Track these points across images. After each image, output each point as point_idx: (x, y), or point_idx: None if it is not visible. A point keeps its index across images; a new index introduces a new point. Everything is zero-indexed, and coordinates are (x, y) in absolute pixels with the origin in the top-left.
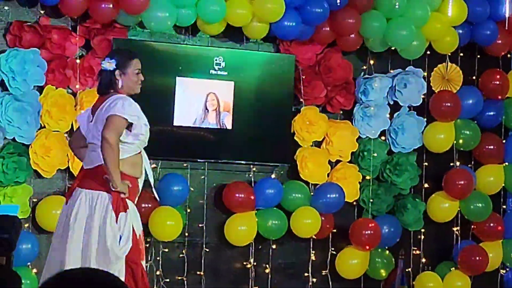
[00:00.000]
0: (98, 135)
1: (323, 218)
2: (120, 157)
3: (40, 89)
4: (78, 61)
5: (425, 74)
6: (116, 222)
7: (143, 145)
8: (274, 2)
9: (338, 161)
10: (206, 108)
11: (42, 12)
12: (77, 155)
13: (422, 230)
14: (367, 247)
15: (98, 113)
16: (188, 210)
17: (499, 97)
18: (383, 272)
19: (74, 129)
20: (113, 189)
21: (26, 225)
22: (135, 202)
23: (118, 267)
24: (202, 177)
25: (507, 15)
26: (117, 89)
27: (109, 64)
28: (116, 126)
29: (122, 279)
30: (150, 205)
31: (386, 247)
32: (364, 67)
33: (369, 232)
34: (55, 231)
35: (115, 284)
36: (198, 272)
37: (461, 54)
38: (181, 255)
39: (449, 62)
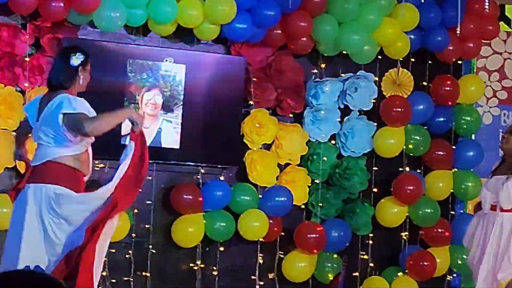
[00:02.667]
0: (42, 136)
1: (271, 221)
2: (71, 153)
3: None
4: (27, 59)
5: (376, 78)
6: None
7: (90, 142)
8: (226, 4)
9: (287, 164)
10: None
11: None
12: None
13: (371, 235)
14: (313, 251)
15: (45, 113)
16: (135, 211)
17: (450, 103)
18: (331, 276)
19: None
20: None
21: None
22: None
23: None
24: (150, 178)
25: (458, 22)
26: (75, 86)
27: (77, 60)
28: (78, 119)
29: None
30: None
31: (335, 251)
32: (315, 71)
33: (314, 235)
34: (9, 230)
35: (53, 284)
36: (144, 273)
37: (413, 60)
38: (127, 256)
39: (400, 67)
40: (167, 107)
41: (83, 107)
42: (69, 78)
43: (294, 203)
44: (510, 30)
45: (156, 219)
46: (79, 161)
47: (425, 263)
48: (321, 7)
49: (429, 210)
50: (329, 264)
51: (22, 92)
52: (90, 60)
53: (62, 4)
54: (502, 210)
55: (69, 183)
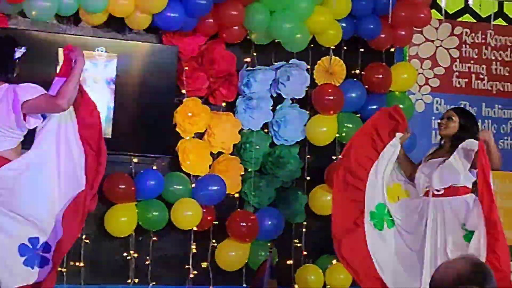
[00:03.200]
0: None
1: (204, 210)
2: (14, 145)
3: None
4: None
5: (309, 67)
6: None
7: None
8: None
9: (220, 153)
10: None
11: None
12: None
13: (304, 223)
14: (246, 239)
15: None
16: None
17: (382, 91)
18: None
19: None
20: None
21: None
22: None
23: None
24: None
25: (390, 10)
26: (13, 77)
27: (19, 53)
28: (46, 101)
29: None
30: None
31: (269, 240)
32: (248, 59)
33: (247, 224)
34: None
35: None
36: (77, 264)
37: (345, 48)
38: None
39: (332, 56)
40: None
41: (37, 89)
42: (11, 71)
43: (227, 192)
44: (442, 18)
45: None
46: (17, 153)
47: None
48: None
49: None
50: (263, 253)
51: None
52: None
53: None
54: (434, 195)
55: None
